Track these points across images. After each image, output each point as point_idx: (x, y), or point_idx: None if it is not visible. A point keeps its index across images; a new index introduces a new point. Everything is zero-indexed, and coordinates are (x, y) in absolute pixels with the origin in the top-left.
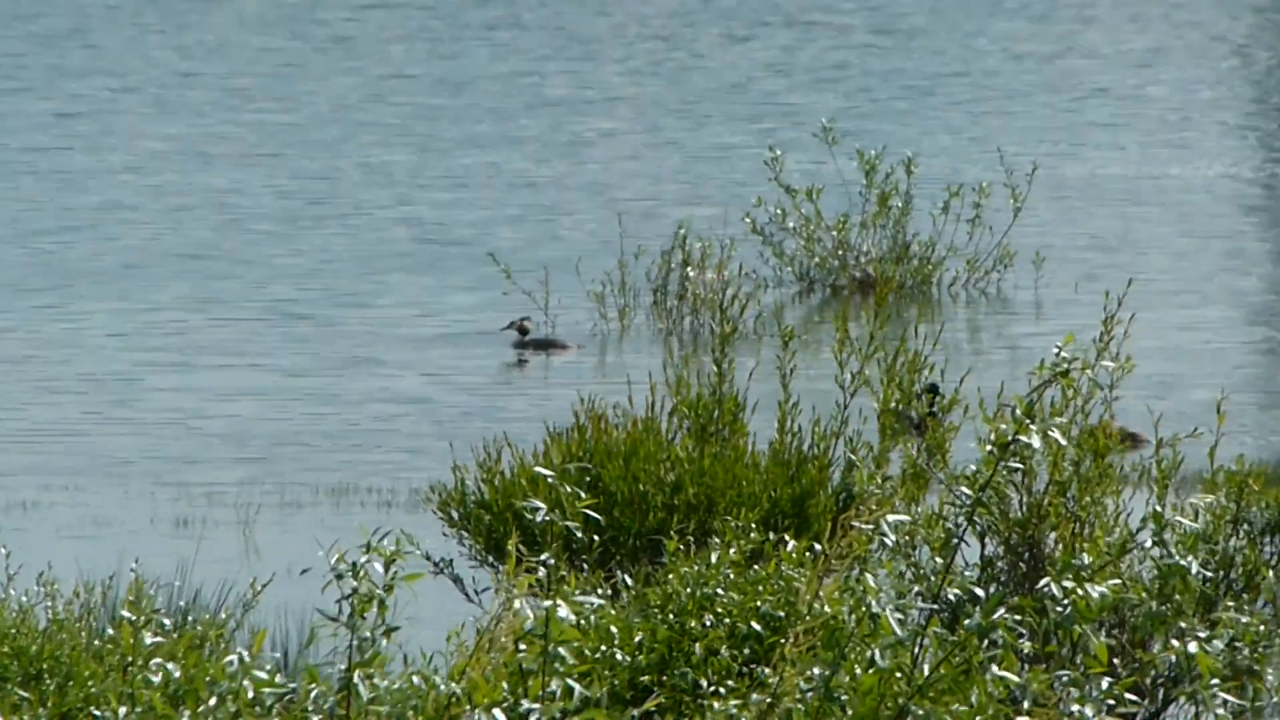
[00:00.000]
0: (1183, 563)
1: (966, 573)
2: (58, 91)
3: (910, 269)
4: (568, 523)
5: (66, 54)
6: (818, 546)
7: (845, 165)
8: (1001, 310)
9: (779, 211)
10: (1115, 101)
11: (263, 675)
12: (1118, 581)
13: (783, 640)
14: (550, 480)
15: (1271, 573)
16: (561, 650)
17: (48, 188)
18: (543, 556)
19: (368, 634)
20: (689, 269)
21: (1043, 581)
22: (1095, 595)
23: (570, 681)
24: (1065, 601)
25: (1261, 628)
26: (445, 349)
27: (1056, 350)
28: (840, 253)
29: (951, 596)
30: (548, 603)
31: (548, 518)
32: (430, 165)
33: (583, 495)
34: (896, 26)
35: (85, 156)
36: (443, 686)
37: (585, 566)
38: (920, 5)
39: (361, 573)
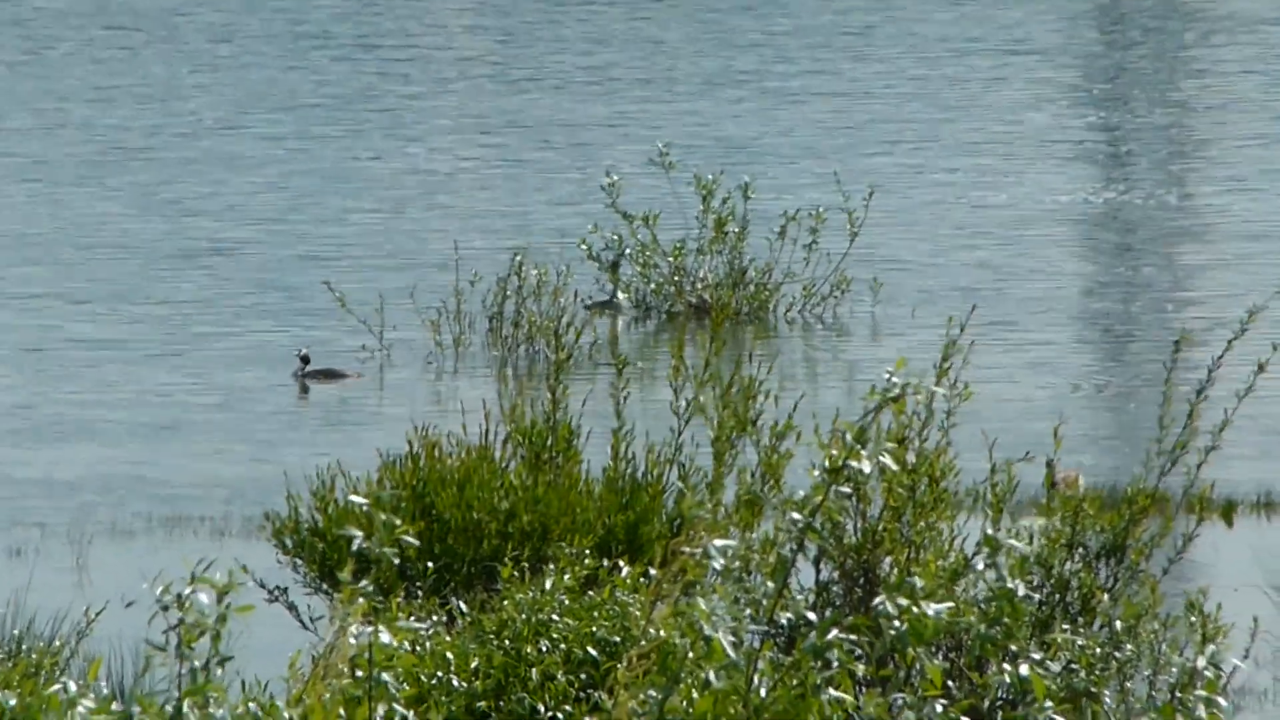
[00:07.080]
0: (1010, 586)
1: (800, 597)
2: None
3: (747, 295)
4: (385, 550)
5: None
6: (651, 572)
7: (682, 189)
8: (838, 336)
9: (615, 238)
10: (963, 124)
11: (91, 704)
12: (951, 605)
13: (618, 665)
14: (368, 510)
15: (1107, 596)
16: (386, 676)
17: None
18: (362, 584)
19: (198, 663)
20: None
21: (878, 599)
22: (930, 612)
23: (397, 707)
24: (899, 621)
25: (1098, 650)
26: (278, 373)
27: (888, 375)
28: (676, 279)
29: (784, 621)
30: (370, 628)
31: (365, 545)
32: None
33: (399, 523)
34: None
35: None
36: (284, 714)
37: (420, 594)
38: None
39: (187, 604)
